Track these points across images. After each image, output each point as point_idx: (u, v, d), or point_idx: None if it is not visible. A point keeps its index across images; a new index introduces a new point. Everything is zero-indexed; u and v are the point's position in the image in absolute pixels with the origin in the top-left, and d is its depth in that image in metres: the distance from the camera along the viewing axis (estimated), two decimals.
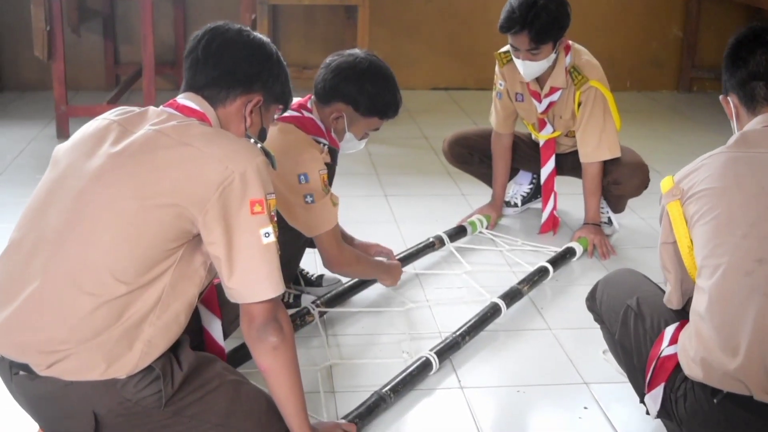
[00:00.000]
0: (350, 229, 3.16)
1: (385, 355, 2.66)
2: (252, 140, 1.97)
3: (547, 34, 3.25)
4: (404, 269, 3.18)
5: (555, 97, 3.46)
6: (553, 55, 3.32)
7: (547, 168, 3.60)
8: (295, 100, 2.75)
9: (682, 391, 1.84)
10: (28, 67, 5.73)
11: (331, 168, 2.92)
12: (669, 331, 1.92)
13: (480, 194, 3.97)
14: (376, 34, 6.24)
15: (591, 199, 3.54)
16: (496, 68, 3.58)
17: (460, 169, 3.92)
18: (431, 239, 3.39)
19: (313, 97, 2.73)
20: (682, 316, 1.95)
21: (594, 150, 3.46)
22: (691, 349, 1.81)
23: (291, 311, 2.79)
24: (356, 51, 2.72)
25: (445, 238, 3.44)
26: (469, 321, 2.75)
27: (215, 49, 1.92)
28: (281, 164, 2.53)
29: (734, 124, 1.99)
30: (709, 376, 1.77)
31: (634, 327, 2.02)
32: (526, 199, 3.91)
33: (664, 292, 2.03)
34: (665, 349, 1.90)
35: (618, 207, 3.66)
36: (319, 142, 2.68)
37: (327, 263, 2.74)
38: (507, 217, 3.85)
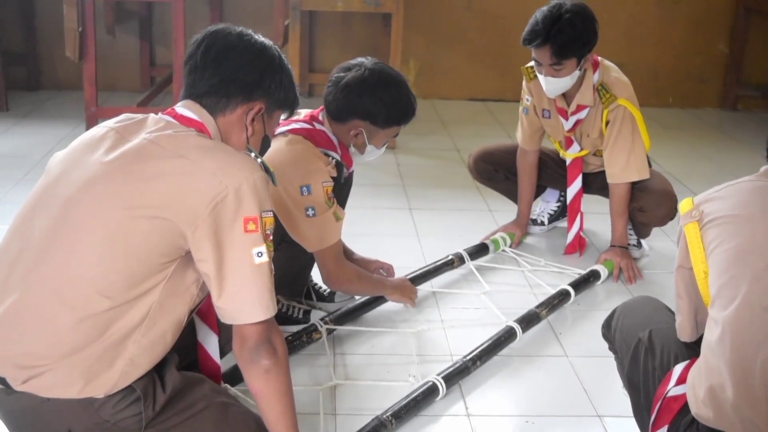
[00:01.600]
0: (369, 243, 3.10)
1: (392, 377, 2.57)
2: (252, 154, 1.90)
3: (570, 50, 3.13)
4: (420, 287, 3.09)
5: (582, 114, 3.34)
6: (577, 72, 3.20)
7: (574, 188, 3.49)
8: (306, 112, 2.70)
9: None
10: (64, 66, 5.73)
11: (345, 183, 2.86)
12: (677, 369, 1.81)
13: (507, 210, 3.87)
14: (413, 42, 6.17)
15: (618, 221, 3.42)
16: (524, 83, 3.48)
17: (486, 186, 3.83)
18: (450, 256, 3.30)
19: (324, 112, 2.66)
20: (694, 352, 1.84)
21: (621, 171, 3.34)
22: (701, 387, 1.69)
23: (298, 327, 2.73)
24: (361, 61, 2.65)
25: (465, 255, 3.34)
26: (482, 345, 2.65)
27: (214, 55, 1.85)
28: (285, 175, 2.48)
29: None
30: (719, 417, 1.65)
31: (643, 362, 1.91)
32: (554, 217, 3.80)
33: None
34: (672, 389, 1.79)
35: (643, 233, 3.53)
36: (327, 155, 2.61)
37: (326, 280, 2.67)
38: (532, 236, 3.74)
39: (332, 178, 2.58)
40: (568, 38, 3.10)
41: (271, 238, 1.76)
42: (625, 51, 6.10)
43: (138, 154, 1.74)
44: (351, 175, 2.92)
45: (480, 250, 3.46)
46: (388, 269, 3.00)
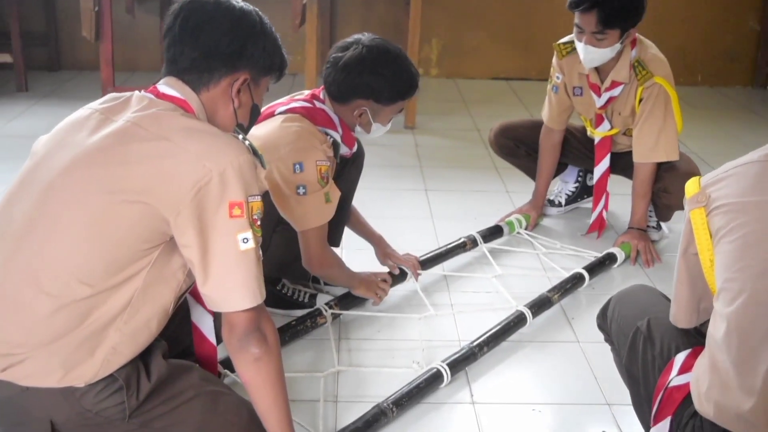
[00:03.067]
0: (383, 225, 3.04)
1: (397, 363, 2.52)
2: (240, 137, 1.84)
3: (617, 18, 3.03)
4: (431, 271, 3.04)
5: (616, 92, 3.24)
6: (618, 46, 3.10)
7: (601, 167, 3.38)
8: (308, 92, 2.64)
9: (690, 427, 1.65)
10: (84, 47, 5.72)
11: (353, 163, 2.80)
12: (679, 358, 1.73)
13: (526, 192, 3.79)
14: (436, 20, 6.09)
15: (639, 202, 3.33)
16: (554, 60, 3.39)
17: (506, 161, 3.74)
18: (463, 239, 3.23)
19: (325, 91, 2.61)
20: (696, 341, 1.76)
21: (650, 150, 3.24)
22: (705, 382, 1.61)
23: (303, 312, 2.69)
24: (358, 38, 2.58)
25: (479, 238, 3.27)
26: (489, 330, 2.59)
27: (192, 27, 1.77)
28: (279, 152, 2.44)
29: None
30: (720, 415, 1.58)
31: (642, 352, 1.82)
32: (571, 199, 3.72)
33: None
34: (674, 379, 1.70)
35: (664, 216, 3.42)
36: (326, 134, 2.55)
37: (306, 261, 2.58)
38: (549, 218, 3.67)
39: (329, 157, 2.53)
40: (617, 6, 3.01)
41: (259, 223, 1.70)
42: (653, 28, 5.90)
43: (120, 136, 1.68)
44: (361, 155, 2.86)
45: (494, 233, 3.39)
46: (412, 266, 2.94)
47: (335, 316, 2.69)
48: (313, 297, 2.77)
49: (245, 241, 1.66)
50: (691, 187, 1.73)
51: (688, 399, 1.67)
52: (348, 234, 3.01)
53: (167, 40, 1.81)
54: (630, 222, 3.37)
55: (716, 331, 1.61)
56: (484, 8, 6.13)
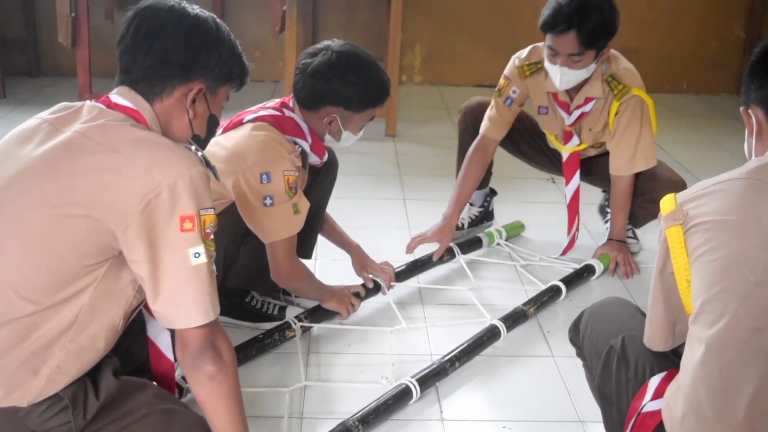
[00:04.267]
0: (358, 234, 3.00)
1: (367, 378, 2.46)
2: (193, 147, 1.78)
3: (596, 38, 2.89)
4: (406, 283, 2.98)
5: (587, 107, 3.13)
6: (593, 66, 2.98)
7: (572, 186, 3.28)
8: (278, 100, 2.59)
9: None
10: (64, 52, 5.63)
11: (326, 173, 2.75)
12: (654, 382, 1.66)
13: (509, 200, 3.76)
14: (418, 26, 6.05)
15: (618, 214, 3.26)
16: (511, 74, 3.23)
17: (465, 141, 3.43)
18: None
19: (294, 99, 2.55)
20: (672, 362, 1.69)
21: (627, 163, 3.15)
22: (678, 409, 1.53)
23: (272, 325, 2.63)
24: (328, 44, 2.52)
25: (456, 249, 3.21)
26: (461, 345, 2.53)
27: (144, 35, 1.71)
28: (246, 162, 2.39)
29: (752, 142, 1.66)
30: None
31: (616, 372, 1.75)
32: (474, 222, 3.57)
33: None
34: (647, 404, 1.63)
35: (639, 223, 3.36)
36: (295, 144, 2.50)
37: (274, 274, 2.53)
38: (532, 229, 3.58)
39: (297, 167, 2.47)
40: (595, 26, 2.86)
41: (212, 237, 1.64)
42: (638, 36, 5.94)
43: (67, 148, 1.62)
44: (334, 164, 2.81)
45: (472, 243, 3.32)
46: (388, 277, 2.88)
47: (305, 330, 2.63)
48: (282, 309, 2.71)
49: (197, 255, 1.60)
50: (666, 204, 1.64)
51: (661, 426, 1.60)
52: (323, 244, 2.96)
53: (120, 48, 1.75)
54: (609, 233, 3.31)
55: (692, 355, 1.53)
56: (468, 14, 6.08)
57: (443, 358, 2.46)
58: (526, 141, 3.46)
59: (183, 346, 1.66)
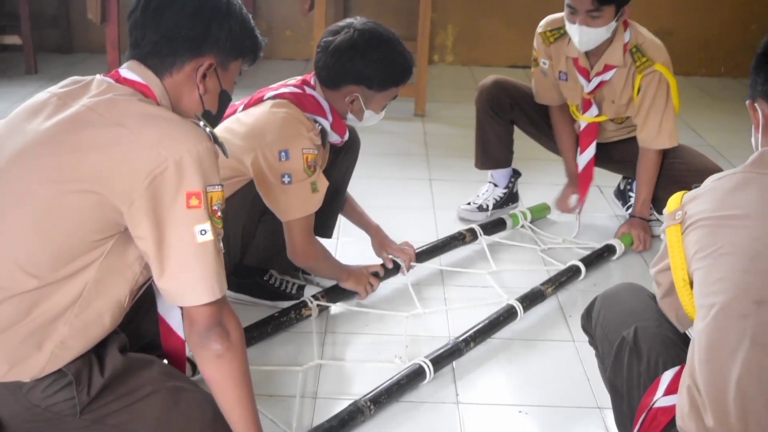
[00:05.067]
0: (382, 215, 2.98)
1: (382, 358, 2.43)
2: (201, 123, 1.75)
3: None
4: (427, 264, 2.95)
5: (607, 76, 3.11)
6: (613, 24, 2.96)
7: (587, 155, 3.25)
8: (300, 77, 2.56)
9: None
10: (96, 29, 5.64)
11: (347, 152, 2.72)
12: (666, 377, 1.60)
13: (531, 183, 3.71)
14: (451, 6, 5.99)
15: (642, 188, 3.22)
16: (538, 46, 3.26)
17: (483, 119, 3.42)
18: (462, 231, 3.14)
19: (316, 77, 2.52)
20: (686, 355, 1.64)
21: (654, 137, 3.12)
22: (685, 405, 1.48)
23: (288, 303, 2.61)
24: (350, 22, 2.49)
25: (479, 230, 3.17)
26: (477, 325, 2.50)
27: (154, 9, 1.68)
28: (265, 139, 2.37)
29: (758, 136, 1.64)
30: None
31: (628, 365, 1.70)
32: (498, 204, 3.50)
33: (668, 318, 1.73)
34: (659, 400, 1.57)
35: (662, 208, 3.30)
36: (315, 122, 2.47)
37: (290, 253, 2.51)
38: (554, 214, 3.52)
39: (317, 146, 2.44)
40: None
41: (220, 214, 1.61)
42: (674, 18, 5.83)
43: (74, 122, 1.60)
44: (356, 143, 2.77)
45: (496, 225, 3.28)
46: (408, 258, 2.85)
47: (322, 309, 2.61)
48: (301, 288, 2.69)
49: (203, 233, 1.57)
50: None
51: (672, 423, 1.53)
52: (344, 224, 2.94)
53: (130, 23, 1.73)
54: (632, 210, 3.27)
55: (692, 349, 1.50)
56: None
57: (458, 338, 2.43)
58: (532, 120, 3.43)
59: (190, 324, 1.65)
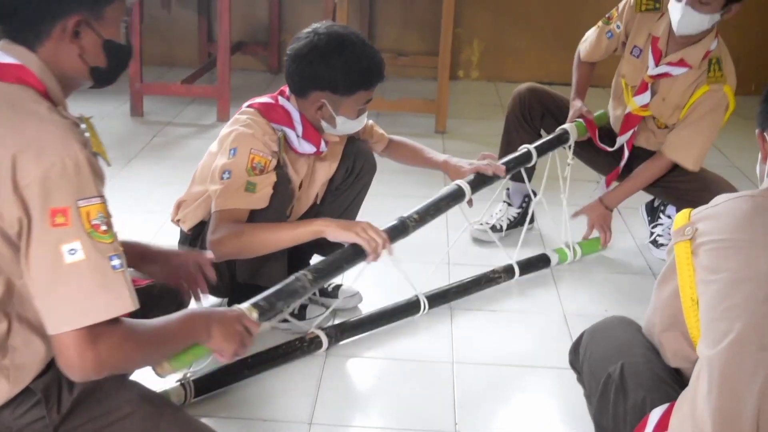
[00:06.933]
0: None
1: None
2: (77, 122, 1.55)
3: None
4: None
5: (676, 71, 3.02)
6: (717, 16, 2.91)
7: (623, 137, 3.19)
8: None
9: None
10: None
11: (357, 173, 2.69)
12: (655, 415, 1.55)
13: (548, 203, 3.64)
14: (478, 20, 5.95)
15: (630, 183, 3.17)
16: (625, 9, 3.17)
17: (511, 125, 3.39)
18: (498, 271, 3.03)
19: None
20: (673, 390, 1.58)
21: (681, 150, 3.05)
22: None
23: (291, 324, 2.58)
24: (315, 27, 2.46)
25: (516, 268, 3.06)
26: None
27: None
28: (223, 144, 2.39)
29: (765, 167, 1.62)
30: None
31: (614, 403, 1.64)
32: (512, 224, 3.45)
33: (658, 354, 1.67)
34: None
35: None
36: (280, 131, 2.45)
37: (211, 245, 2.35)
38: (578, 234, 3.37)
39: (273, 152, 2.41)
40: None
41: (104, 228, 1.48)
42: None
43: None
44: (366, 168, 2.72)
45: (540, 261, 3.16)
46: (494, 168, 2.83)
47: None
48: (303, 308, 2.65)
49: (72, 252, 1.45)
50: (680, 218, 1.60)
51: None
52: None
53: None
54: (603, 195, 3.23)
55: (697, 377, 1.45)
56: (528, 10, 5.96)
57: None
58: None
59: (57, 354, 1.50)
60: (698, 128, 3.02)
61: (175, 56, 5.98)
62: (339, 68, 2.38)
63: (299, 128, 2.47)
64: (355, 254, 2.31)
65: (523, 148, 3.03)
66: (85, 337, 1.46)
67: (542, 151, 3.06)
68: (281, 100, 2.49)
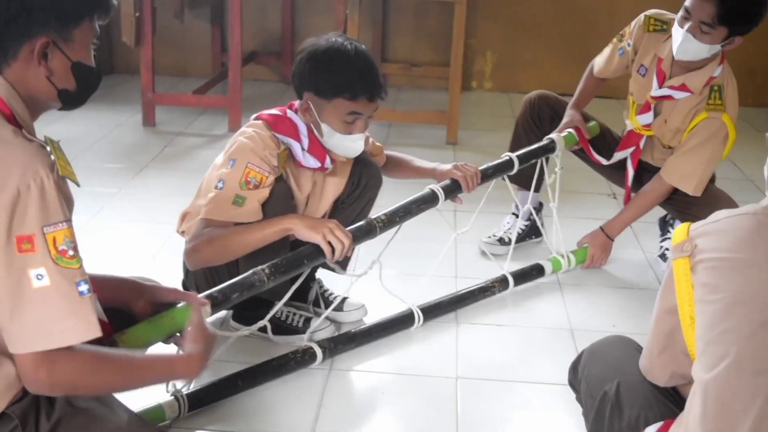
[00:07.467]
0: (400, 246, 2.89)
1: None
2: (43, 145, 1.54)
3: (735, 16, 2.82)
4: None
5: (678, 95, 3.02)
6: (717, 48, 2.90)
7: (621, 155, 3.21)
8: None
9: None
10: (136, 51, 5.70)
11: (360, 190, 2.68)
12: None
13: (559, 216, 3.61)
14: (491, 32, 5.94)
15: (630, 209, 3.18)
16: (633, 29, 3.17)
17: (520, 129, 3.40)
18: (492, 282, 3.03)
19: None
20: (668, 409, 1.56)
21: (683, 176, 3.05)
22: None
23: (296, 337, 2.58)
24: (327, 36, 2.48)
25: (510, 279, 3.05)
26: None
27: None
28: (227, 151, 2.42)
29: None
30: None
31: (609, 421, 1.63)
32: (521, 237, 3.42)
33: None
34: None
35: None
36: (284, 143, 2.46)
37: (185, 251, 2.41)
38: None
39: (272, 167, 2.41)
40: (740, 3, 2.81)
41: (71, 253, 1.48)
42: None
43: None
44: (370, 185, 2.71)
45: (534, 271, 3.15)
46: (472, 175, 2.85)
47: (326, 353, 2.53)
48: (308, 321, 2.64)
49: (39, 278, 1.45)
50: (679, 233, 1.55)
51: None
52: None
53: None
54: (606, 224, 3.23)
55: (691, 399, 1.43)
56: (541, 21, 5.94)
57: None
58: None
59: (17, 364, 1.50)
60: (696, 155, 3.01)
61: (188, 66, 6.00)
62: (324, 69, 2.39)
63: (305, 141, 2.48)
64: (318, 252, 2.31)
65: (504, 156, 3.00)
66: (42, 360, 1.47)
67: (524, 159, 3.04)
68: (290, 113, 2.51)
